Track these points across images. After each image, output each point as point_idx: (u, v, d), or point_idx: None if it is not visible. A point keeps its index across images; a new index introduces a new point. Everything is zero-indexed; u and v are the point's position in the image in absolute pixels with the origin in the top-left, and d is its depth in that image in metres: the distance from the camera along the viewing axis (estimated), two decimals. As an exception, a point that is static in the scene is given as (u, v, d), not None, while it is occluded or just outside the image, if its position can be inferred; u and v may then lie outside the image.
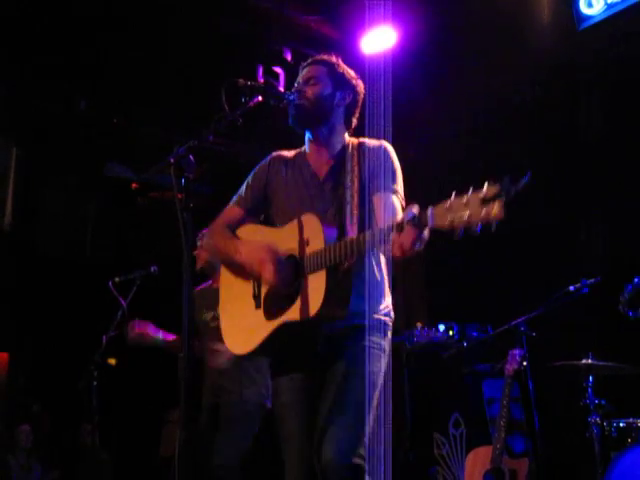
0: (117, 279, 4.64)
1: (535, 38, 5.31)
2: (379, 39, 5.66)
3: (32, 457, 6.48)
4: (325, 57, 2.95)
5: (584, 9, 5.20)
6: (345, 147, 2.86)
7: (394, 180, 2.75)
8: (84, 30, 5.59)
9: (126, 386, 6.70)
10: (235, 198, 2.95)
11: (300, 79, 2.91)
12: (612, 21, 5.10)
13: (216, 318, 4.12)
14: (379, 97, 3.49)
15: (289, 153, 2.97)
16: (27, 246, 7.01)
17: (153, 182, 6.96)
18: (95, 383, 4.43)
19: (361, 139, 2.89)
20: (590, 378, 4.32)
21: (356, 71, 3.05)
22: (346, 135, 2.91)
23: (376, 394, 2.64)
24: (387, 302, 2.80)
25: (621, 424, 4.25)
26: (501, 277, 5.78)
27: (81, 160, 7.00)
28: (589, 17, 5.19)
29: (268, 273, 2.59)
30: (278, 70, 5.71)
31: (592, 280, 4.37)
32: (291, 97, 2.75)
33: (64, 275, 6.85)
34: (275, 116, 3.30)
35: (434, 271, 6.27)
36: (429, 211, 2.15)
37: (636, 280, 4.08)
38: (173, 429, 6.57)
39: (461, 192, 2.08)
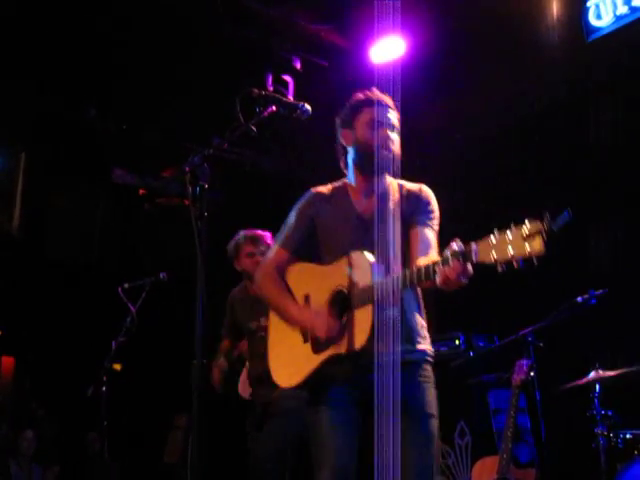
0: (126, 285, 4.66)
1: (544, 49, 5.33)
2: (388, 49, 5.68)
3: (33, 462, 6.48)
4: (389, 101, 2.99)
5: (593, 21, 5.22)
6: (387, 188, 2.91)
7: (430, 217, 2.86)
8: (95, 37, 5.62)
9: (132, 392, 6.70)
10: (281, 239, 3.00)
11: (388, 123, 2.91)
12: (621, 33, 5.11)
13: (262, 328, 4.18)
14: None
15: (327, 189, 3.01)
16: (35, 251, 7.03)
17: (161, 189, 6.98)
18: (104, 389, 4.44)
19: (400, 181, 2.96)
20: (597, 388, 4.32)
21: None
22: (387, 176, 2.95)
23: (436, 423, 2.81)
24: (427, 332, 2.93)
25: (627, 435, 4.24)
26: (509, 287, 5.77)
27: (89, 166, 7.02)
28: (598, 29, 5.20)
29: (320, 332, 2.70)
30: (287, 78, 5.74)
31: (600, 291, 4.37)
32: (304, 108, 2.76)
33: (71, 280, 6.87)
34: (281, 124, 3.34)
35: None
36: (473, 247, 2.27)
37: None
38: (178, 435, 6.58)
39: (502, 228, 2.19)
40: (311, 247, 2.95)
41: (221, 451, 4.76)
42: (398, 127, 2.94)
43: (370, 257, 2.68)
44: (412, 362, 2.78)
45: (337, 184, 3.01)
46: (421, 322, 2.90)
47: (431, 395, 2.83)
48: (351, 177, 2.96)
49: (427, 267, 2.44)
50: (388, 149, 2.86)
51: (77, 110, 6.42)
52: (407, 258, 2.77)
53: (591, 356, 4.41)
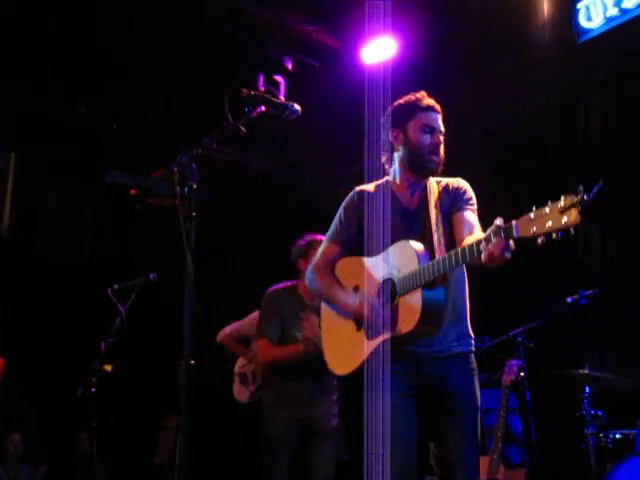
0: (116, 286, 4.65)
1: (535, 50, 5.34)
2: (379, 49, 5.68)
3: (21, 464, 6.43)
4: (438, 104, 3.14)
5: (583, 22, 5.22)
6: (428, 184, 3.08)
7: (470, 202, 3.03)
8: (86, 35, 5.61)
9: (123, 393, 6.69)
10: (330, 235, 3.17)
11: (435, 125, 3.07)
12: (611, 35, 5.13)
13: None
14: (379, 107, 3.50)
15: (372, 186, 3.14)
16: (25, 250, 7.01)
17: (152, 189, 6.96)
18: (93, 390, 4.43)
19: (437, 178, 3.11)
20: (587, 389, 4.33)
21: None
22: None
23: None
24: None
25: (617, 435, 4.26)
26: (499, 287, 5.79)
27: (80, 165, 7.00)
28: (589, 30, 5.21)
29: (370, 316, 2.87)
30: (279, 79, 5.73)
31: (590, 292, 4.39)
32: (293, 108, 2.75)
33: (62, 280, 6.85)
34: (271, 124, 3.34)
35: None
36: (513, 223, 2.41)
37: None
38: (169, 436, 6.57)
39: (540, 205, 2.34)
40: (360, 242, 3.06)
41: (211, 452, 4.75)
42: (443, 132, 3.10)
43: (415, 245, 2.82)
44: (462, 353, 2.98)
45: (381, 182, 3.14)
46: (467, 311, 3.05)
47: (477, 388, 2.99)
48: (396, 173, 3.10)
49: (471, 245, 2.59)
50: (438, 155, 3.05)
51: (68, 109, 6.40)
52: (453, 243, 2.90)
53: (581, 356, 4.42)
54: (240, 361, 5.13)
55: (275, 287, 4.52)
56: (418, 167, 3.04)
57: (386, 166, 3.17)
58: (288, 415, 4.29)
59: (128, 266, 6.33)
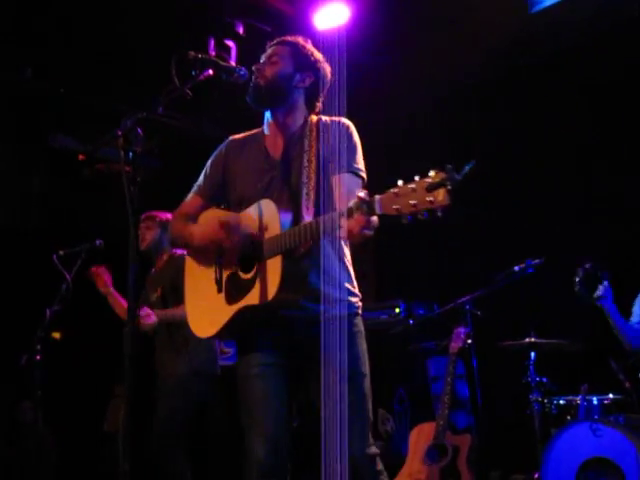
0: (62, 252, 4.56)
1: (487, 18, 5.33)
2: (332, 15, 5.62)
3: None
4: (291, 38, 2.93)
5: (536, -8, 5.24)
6: (302, 126, 2.84)
7: (354, 158, 2.74)
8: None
9: (71, 361, 6.61)
10: (195, 187, 2.97)
11: (262, 57, 2.90)
12: (564, 6, 5.15)
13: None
14: (333, 74, 3.47)
15: (245, 135, 2.97)
16: (-31, 216, 6.84)
17: (100, 154, 6.82)
18: (38, 358, 4.36)
19: (320, 117, 2.88)
20: (532, 356, 4.41)
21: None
22: (308, 116, 2.89)
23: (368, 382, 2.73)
24: (354, 283, 2.82)
25: (561, 402, 4.36)
26: (448, 256, 5.84)
27: (26, 129, 6.83)
28: (540, 1, 5.23)
29: (226, 241, 2.63)
30: (230, 43, 5.64)
31: (537, 261, 4.45)
32: (242, 72, 2.70)
33: (7, 246, 6.70)
34: (225, 90, 3.27)
35: (382, 249, 6.30)
36: (376, 198, 2.18)
37: (587, 265, 4.17)
38: (119, 404, 6.51)
39: (407, 178, 2.11)
40: (227, 196, 2.91)
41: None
42: (279, 56, 2.87)
43: (277, 205, 2.61)
44: (338, 316, 2.67)
45: (258, 130, 2.95)
46: (347, 272, 2.79)
47: (363, 350, 2.75)
48: (267, 118, 2.91)
49: (331, 217, 2.37)
50: (257, 77, 2.83)
51: (13, 71, 6.22)
52: (328, 204, 2.65)
53: (527, 324, 4.49)
54: None
55: None
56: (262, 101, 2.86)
57: None
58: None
59: (75, 232, 6.21)
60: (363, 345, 2.76)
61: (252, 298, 2.60)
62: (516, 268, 4.46)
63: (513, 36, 5.37)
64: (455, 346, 4.62)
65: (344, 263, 2.80)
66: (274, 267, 2.55)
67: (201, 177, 2.97)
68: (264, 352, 2.72)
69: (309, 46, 2.93)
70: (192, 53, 2.56)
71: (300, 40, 2.93)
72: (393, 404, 5.53)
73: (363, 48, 5.54)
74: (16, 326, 5.60)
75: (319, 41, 4.22)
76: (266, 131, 2.91)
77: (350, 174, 2.69)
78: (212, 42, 5.61)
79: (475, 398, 4.76)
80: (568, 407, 4.31)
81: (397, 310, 5.62)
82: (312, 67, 2.89)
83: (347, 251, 2.83)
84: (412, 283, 6.06)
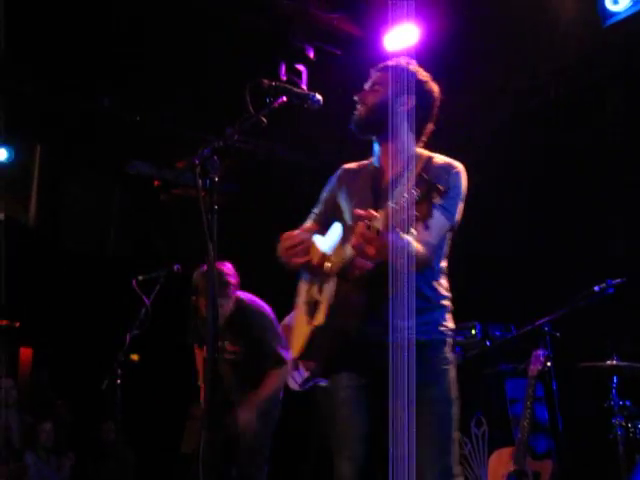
0: (140, 277, 4.65)
1: (560, 35, 5.26)
2: (402, 36, 5.63)
3: (51, 454, 6.50)
4: (392, 62, 2.92)
5: (609, 5, 5.12)
6: (410, 158, 2.80)
7: (445, 196, 2.56)
8: (109, 27, 5.62)
9: (149, 382, 6.73)
10: (311, 214, 3.03)
11: (365, 85, 2.92)
12: (638, 18, 5.04)
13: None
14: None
15: (358, 164, 3.00)
16: (51, 242, 7.06)
17: (176, 179, 6.98)
18: (119, 382, 4.45)
19: (433, 154, 2.85)
20: (614, 379, 4.28)
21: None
22: (416, 144, 2.88)
23: (456, 409, 2.70)
24: (442, 312, 2.82)
25: (646, 426, 4.21)
26: (526, 276, 5.74)
27: (104, 157, 7.03)
28: (615, 13, 5.12)
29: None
30: (301, 68, 5.71)
31: (617, 280, 4.33)
32: (315, 98, 2.72)
33: (88, 272, 6.89)
34: (298, 114, 3.31)
35: (457, 270, 6.23)
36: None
37: None
38: (196, 425, 6.59)
39: None
40: (340, 222, 2.89)
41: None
42: (380, 83, 2.87)
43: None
44: (420, 343, 2.66)
45: (369, 159, 2.96)
46: (426, 301, 2.76)
47: (446, 381, 2.74)
48: (375, 146, 2.92)
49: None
50: (359, 106, 2.87)
51: (92, 101, 6.42)
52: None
53: (608, 346, 4.37)
54: None
55: None
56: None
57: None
58: None
59: (153, 257, 6.35)
60: (449, 373, 2.73)
61: (316, 320, 2.64)
62: (596, 288, 4.34)
63: (587, 51, 5.28)
64: (534, 369, 4.51)
65: (434, 288, 2.78)
66: (329, 290, 2.59)
67: (316, 205, 3.03)
68: (350, 374, 2.73)
69: (412, 67, 2.90)
70: (266, 81, 2.60)
71: (402, 62, 2.91)
72: (470, 427, 5.43)
73: (432, 68, 5.53)
74: (97, 350, 5.75)
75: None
76: (375, 161, 2.91)
77: (436, 210, 2.57)
78: (283, 66, 5.69)
79: (555, 422, 4.64)
80: (653, 432, 4.16)
81: (473, 332, 5.53)
82: (413, 90, 2.85)
83: (441, 278, 2.84)
84: (489, 304, 5.96)
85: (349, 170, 2.99)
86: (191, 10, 5.60)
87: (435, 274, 2.80)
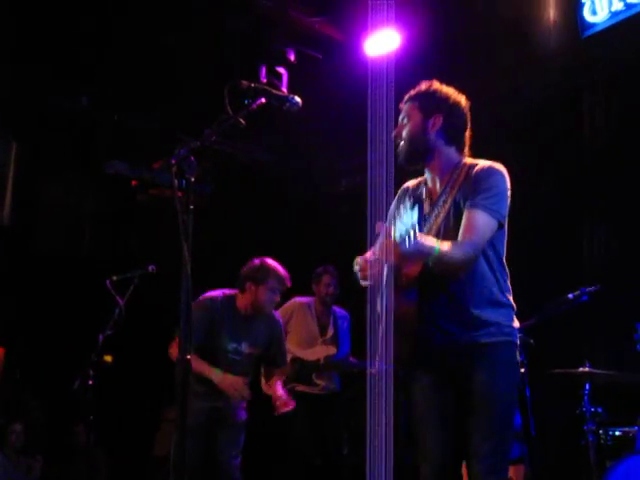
0: (115, 277, 4.62)
1: (539, 45, 5.30)
2: (383, 41, 5.64)
3: (21, 455, 6.42)
4: (415, 90, 3.02)
5: (588, 17, 5.19)
6: (455, 169, 2.94)
7: (486, 195, 2.79)
8: (87, 26, 5.59)
9: (123, 383, 6.67)
10: None
11: (399, 119, 3.03)
12: (616, 29, 5.09)
13: None
14: (382, 100, 3.48)
15: (417, 182, 3.09)
16: (25, 242, 6.98)
17: (153, 180, 6.93)
18: (90, 382, 4.41)
19: (476, 160, 2.97)
20: (587, 386, 4.31)
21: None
22: (459, 155, 2.99)
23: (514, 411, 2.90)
24: (508, 311, 2.89)
25: (617, 433, 4.24)
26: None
27: (81, 156, 6.98)
28: (593, 25, 5.18)
29: None
30: (281, 70, 5.71)
31: (592, 288, 4.36)
32: (293, 101, 2.71)
33: (61, 272, 6.82)
34: (276, 116, 3.31)
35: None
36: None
37: None
38: (169, 428, 6.54)
39: None
40: None
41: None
42: (408, 114, 2.99)
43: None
44: (487, 345, 2.78)
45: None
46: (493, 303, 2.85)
47: (507, 382, 2.86)
48: (425, 171, 3.05)
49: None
50: (398, 142, 3.01)
51: (69, 100, 6.38)
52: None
53: (582, 353, 4.40)
54: None
55: (212, 295, 4.63)
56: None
57: None
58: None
59: (128, 257, 6.30)
60: (506, 373, 2.83)
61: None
62: (570, 295, 4.37)
63: (566, 61, 5.33)
64: (507, 375, 4.53)
65: (480, 289, 2.84)
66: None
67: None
68: (428, 375, 2.87)
69: (434, 86, 3.01)
70: (245, 82, 2.59)
71: (424, 86, 3.01)
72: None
73: (413, 74, 5.54)
74: (69, 350, 5.69)
75: (369, 68, 4.26)
76: (428, 181, 3.01)
77: (477, 210, 2.76)
78: (264, 69, 5.69)
79: (528, 428, 4.66)
80: (624, 439, 4.20)
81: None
82: (438, 107, 2.96)
83: (503, 276, 2.91)
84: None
85: (409, 189, 3.09)
86: (172, 11, 5.58)
87: (497, 273, 2.88)
